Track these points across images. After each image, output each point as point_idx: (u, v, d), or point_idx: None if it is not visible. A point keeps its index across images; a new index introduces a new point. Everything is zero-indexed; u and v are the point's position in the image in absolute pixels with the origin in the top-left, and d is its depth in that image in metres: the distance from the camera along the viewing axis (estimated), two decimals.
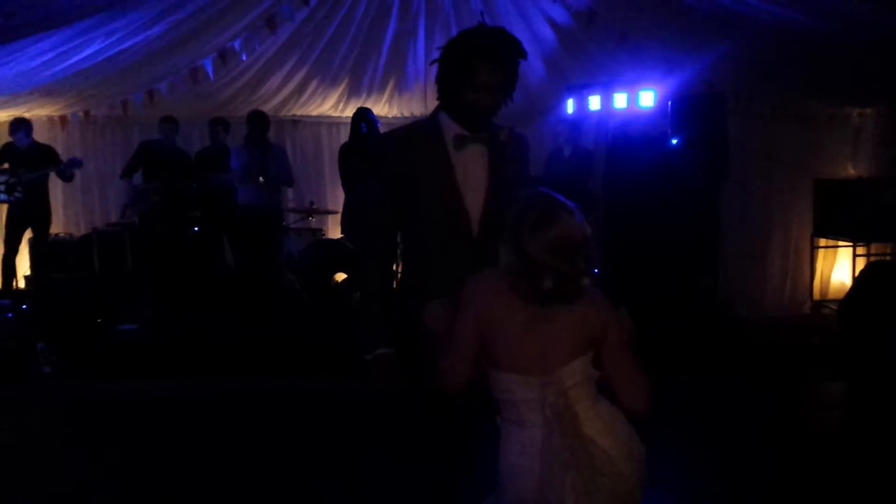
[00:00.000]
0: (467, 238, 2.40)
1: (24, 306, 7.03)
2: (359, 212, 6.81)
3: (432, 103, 8.51)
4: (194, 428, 4.81)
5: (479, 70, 2.33)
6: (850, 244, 7.56)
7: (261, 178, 7.09)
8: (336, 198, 8.16)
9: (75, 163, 7.46)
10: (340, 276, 7.69)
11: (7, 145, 7.39)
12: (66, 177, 7.54)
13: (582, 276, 1.99)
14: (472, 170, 2.42)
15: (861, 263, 7.39)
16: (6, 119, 7.90)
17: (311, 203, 8.22)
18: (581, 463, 1.97)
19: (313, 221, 8.26)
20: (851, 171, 7.82)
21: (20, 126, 7.37)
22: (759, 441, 4.49)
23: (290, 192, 8.69)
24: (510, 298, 2.02)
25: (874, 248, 7.57)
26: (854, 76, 6.29)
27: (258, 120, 7.19)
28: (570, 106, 7.25)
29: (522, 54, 2.42)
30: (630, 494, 2.05)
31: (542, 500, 1.98)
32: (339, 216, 7.46)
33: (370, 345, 2.43)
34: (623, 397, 2.08)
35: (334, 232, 8.21)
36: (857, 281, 6.87)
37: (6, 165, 7.26)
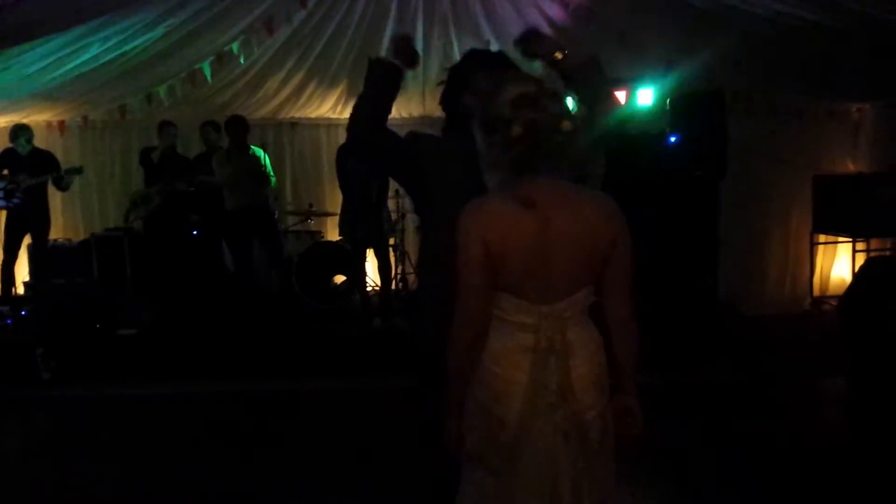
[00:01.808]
0: None
1: (23, 312, 7.03)
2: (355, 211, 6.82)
3: (430, 104, 8.57)
4: (195, 431, 4.81)
5: (476, 77, 2.39)
6: (850, 240, 7.55)
7: (248, 183, 7.10)
8: (334, 200, 8.15)
9: (75, 171, 7.46)
10: (339, 278, 7.68)
11: (7, 151, 7.39)
12: (63, 186, 7.55)
13: (559, 119, 1.92)
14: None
15: (861, 259, 7.39)
16: (5, 125, 7.90)
17: (310, 205, 8.21)
18: (566, 403, 1.98)
19: (312, 223, 8.26)
20: (851, 167, 7.82)
21: (21, 132, 7.37)
22: (759, 437, 4.48)
23: (288, 194, 8.69)
24: (515, 215, 1.95)
25: (874, 243, 7.57)
26: (852, 71, 6.29)
27: (237, 125, 7.15)
28: (568, 104, 7.24)
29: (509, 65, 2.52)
30: (603, 430, 2.06)
31: (525, 430, 1.98)
32: (337, 218, 7.45)
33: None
34: (613, 315, 2.09)
35: (333, 234, 8.20)
36: (857, 276, 6.87)
37: (5, 172, 7.25)
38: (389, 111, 2.48)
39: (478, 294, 1.99)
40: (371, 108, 2.44)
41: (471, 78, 2.41)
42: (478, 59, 2.57)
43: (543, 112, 1.91)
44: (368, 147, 2.50)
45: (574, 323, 2.03)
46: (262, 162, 7.32)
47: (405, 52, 2.48)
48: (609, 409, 2.08)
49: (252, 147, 7.35)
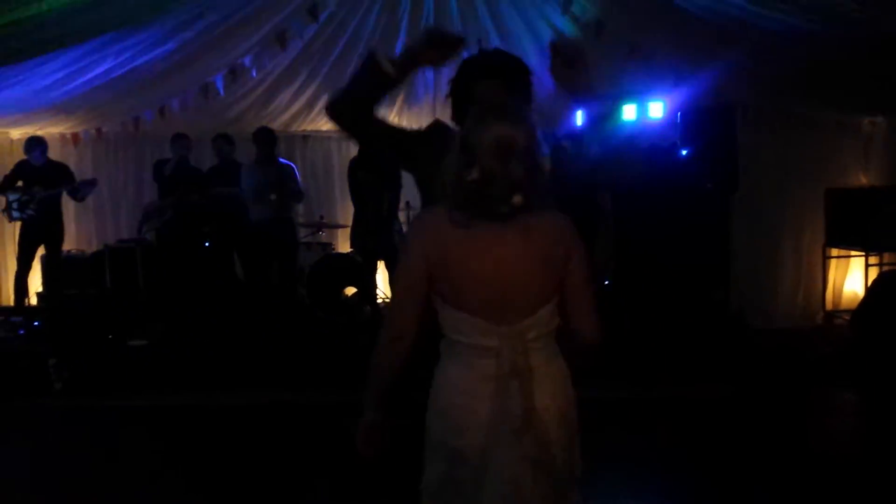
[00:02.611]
0: None
1: (35, 323, 7.08)
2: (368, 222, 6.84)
3: (441, 117, 8.53)
4: (205, 442, 4.81)
5: (476, 87, 2.36)
6: (863, 253, 7.51)
7: (272, 196, 7.13)
8: (346, 212, 8.18)
9: (90, 183, 7.53)
10: (350, 290, 7.70)
11: (22, 163, 7.46)
12: (79, 197, 7.61)
13: (515, 186, 1.83)
14: None
15: (874, 273, 7.34)
16: (20, 137, 7.99)
17: (321, 217, 8.25)
18: (532, 429, 1.90)
19: (323, 235, 8.28)
20: (863, 180, 7.78)
21: (36, 144, 7.44)
22: (771, 451, 4.45)
23: (300, 207, 8.73)
24: (467, 227, 1.87)
25: (887, 257, 7.51)
26: (864, 84, 6.27)
27: (265, 137, 7.24)
28: (579, 118, 7.25)
29: (524, 69, 2.43)
30: (568, 466, 1.99)
31: (488, 461, 1.89)
32: (348, 230, 7.47)
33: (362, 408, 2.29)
34: (578, 332, 2.00)
35: (344, 246, 8.23)
36: (870, 291, 6.82)
37: (20, 183, 7.32)
38: (372, 99, 2.44)
39: (402, 306, 1.96)
40: (349, 87, 2.44)
41: (474, 88, 2.36)
42: (477, 65, 2.45)
43: (505, 172, 1.82)
44: (340, 121, 2.47)
45: (538, 347, 1.95)
46: (293, 175, 7.38)
47: (439, 44, 2.36)
48: (576, 445, 2.02)
49: (281, 160, 7.42)
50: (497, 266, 1.89)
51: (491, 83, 2.35)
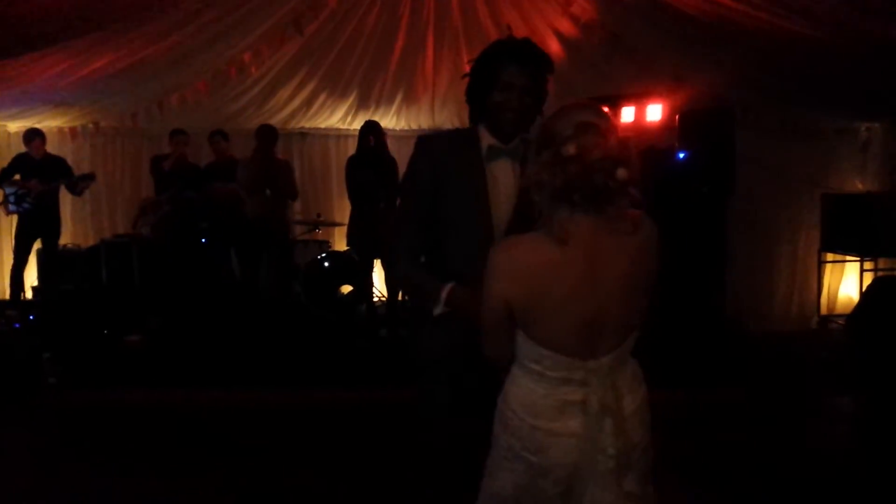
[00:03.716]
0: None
1: (31, 317, 7.06)
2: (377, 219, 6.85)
3: (440, 116, 8.59)
4: (200, 439, 4.81)
5: (504, 71, 2.35)
6: (858, 259, 7.53)
7: (267, 191, 7.15)
8: (343, 210, 8.18)
9: (88, 177, 7.52)
10: (346, 288, 7.69)
11: (20, 156, 7.44)
12: (77, 191, 7.60)
13: (616, 164, 1.72)
14: (502, 181, 2.42)
15: (869, 278, 7.36)
16: (18, 130, 7.97)
17: (318, 215, 8.25)
18: (632, 468, 1.87)
19: (320, 233, 8.29)
20: (859, 186, 7.80)
21: (34, 137, 7.43)
22: (765, 456, 4.46)
23: (297, 205, 8.73)
24: (551, 261, 1.76)
25: (882, 262, 7.53)
26: (862, 90, 6.29)
27: (267, 134, 7.26)
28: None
29: (549, 65, 2.43)
30: (647, 462, 1.97)
31: (582, 491, 1.84)
32: (345, 228, 7.48)
33: (434, 295, 2.32)
34: None
35: (340, 244, 8.23)
36: (865, 296, 6.85)
37: (17, 177, 7.30)
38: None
39: (493, 336, 1.92)
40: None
41: (501, 71, 2.35)
42: (507, 50, 2.40)
43: (604, 146, 1.72)
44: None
45: (622, 368, 1.90)
46: (289, 173, 7.39)
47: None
48: (652, 443, 1.99)
49: (279, 158, 7.43)
50: (593, 289, 1.77)
51: (519, 70, 2.35)
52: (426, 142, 2.53)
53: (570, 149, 1.71)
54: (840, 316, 7.60)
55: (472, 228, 2.37)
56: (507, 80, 2.35)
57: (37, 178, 7.27)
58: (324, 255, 7.66)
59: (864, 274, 7.52)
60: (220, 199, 7.50)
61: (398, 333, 6.96)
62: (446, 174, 2.41)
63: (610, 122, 1.79)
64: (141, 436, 4.90)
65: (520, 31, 6.39)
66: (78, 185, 7.49)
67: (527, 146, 2.33)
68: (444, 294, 2.29)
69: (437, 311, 2.31)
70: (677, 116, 6.64)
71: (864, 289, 7.22)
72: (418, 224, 2.45)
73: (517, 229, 2.14)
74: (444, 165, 2.42)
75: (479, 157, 2.42)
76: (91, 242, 8.31)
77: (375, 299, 7.57)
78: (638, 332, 1.92)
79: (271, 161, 7.27)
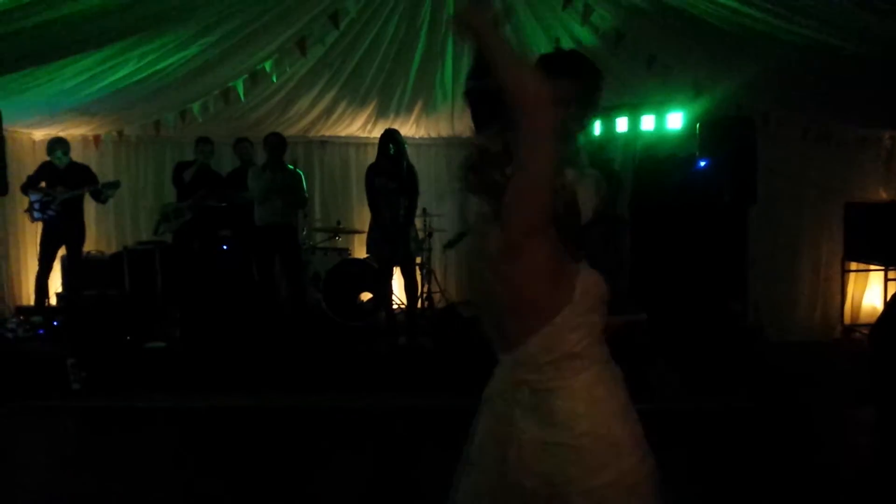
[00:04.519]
0: None
1: (55, 323, 7.15)
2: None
3: (459, 125, 8.53)
4: (221, 444, 4.84)
5: (558, 85, 2.27)
6: (882, 268, 7.45)
7: (277, 201, 7.20)
8: (362, 218, 8.21)
9: (113, 185, 7.59)
10: (366, 296, 7.71)
11: (46, 164, 7.53)
12: (102, 199, 7.67)
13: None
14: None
15: (893, 288, 7.28)
16: (43, 138, 8.08)
17: (338, 222, 8.28)
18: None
19: (339, 241, 8.32)
20: (883, 195, 7.73)
21: (59, 145, 7.52)
22: (785, 466, 4.42)
23: (317, 212, 8.77)
24: None
25: None
26: (885, 99, 6.23)
27: (275, 142, 7.30)
28: (596, 127, 7.25)
29: (596, 72, 2.33)
30: None
31: None
32: (364, 236, 7.50)
33: None
34: None
35: (360, 252, 8.25)
36: (889, 305, 6.76)
37: (43, 184, 7.39)
38: None
39: None
40: None
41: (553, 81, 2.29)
42: (556, 64, 2.27)
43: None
44: None
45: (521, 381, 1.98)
46: (299, 182, 7.43)
47: None
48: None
49: (290, 166, 7.47)
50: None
51: (568, 82, 2.30)
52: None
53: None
54: (864, 325, 7.51)
55: None
56: (560, 95, 2.28)
57: (62, 186, 7.36)
58: (343, 262, 7.69)
59: (889, 283, 7.44)
60: (241, 207, 7.54)
61: (417, 341, 6.97)
62: None
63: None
64: (163, 441, 4.94)
65: (538, 40, 6.45)
66: (103, 192, 7.57)
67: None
68: None
69: None
70: (698, 125, 6.62)
71: (888, 298, 7.13)
72: None
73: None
74: None
75: None
76: (114, 249, 8.40)
77: (395, 307, 7.58)
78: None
79: (281, 170, 7.31)
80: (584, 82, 2.30)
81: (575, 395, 1.85)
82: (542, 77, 1.82)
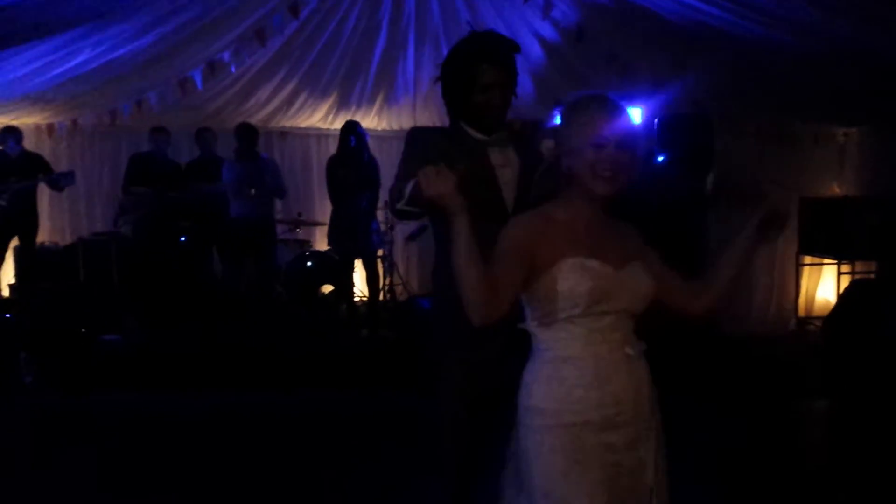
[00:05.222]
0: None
1: (7, 315, 6.99)
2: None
3: (421, 117, 8.56)
4: (177, 440, 4.79)
5: (482, 72, 2.40)
6: (835, 262, 7.61)
7: (252, 191, 7.11)
8: (324, 210, 8.15)
9: (68, 177, 7.43)
10: (327, 288, 7.68)
11: None
12: (60, 187, 7.51)
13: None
14: (498, 169, 2.48)
15: (845, 281, 7.44)
16: None
17: (299, 214, 8.22)
18: None
19: (300, 233, 8.26)
20: (837, 190, 7.88)
21: (10, 134, 7.35)
22: (741, 458, 4.49)
23: (278, 204, 8.70)
24: None
25: (858, 265, 7.62)
26: (839, 96, 6.36)
27: (247, 132, 7.22)
28: (558, 119, 7.27)
29: (517, 48, 2.50)
30: None
31: None
32: (325, 228, 7.46)
33: (403, 188, 2.25)
34: None
35: (321, 244, 8.21)
36: (841, 298, 6.92)
37: None
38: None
39: None
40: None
41: (477, 73, 2.40)
42: (477, 49, 2.46)
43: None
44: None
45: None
46: (274, 171, 7.35)
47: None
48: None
49: (264, 156, 7.39)
50: None
51: (494, 68, 2.42)
52: (420, 131, 2.62)
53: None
54: (818, 318, 7.66)
55: (486, 214, 2.25)
56: (484, 81, 2.42)
57: (15, 176, 7.20)
58: (305, 254, 7.64)
59: (841, 277, 7.60)
60: (203, 199, 7.45)
61: (379, 334, 6.96)
62: (447, 158, 2.42)
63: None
64: (117, 435, 4.88)
65: (500, 32, 6.45)
66: (59, 181, 7.41)
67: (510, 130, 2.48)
68: (409, 184, 2.20)
69: (402, 204, 2.28)
70: (656, 120, 6.69)
71: (841, 291, 7.29)
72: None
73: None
74: (443, 154, 2.43)
75: (474, 148, 2.46)
76: (68, 240, 8.23)
77: (356, 299, 7.56)
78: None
79: (254, 160, 7.23)
80: (505, 64, 2.41)
81: None
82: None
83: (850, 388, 5.94)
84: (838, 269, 7.63)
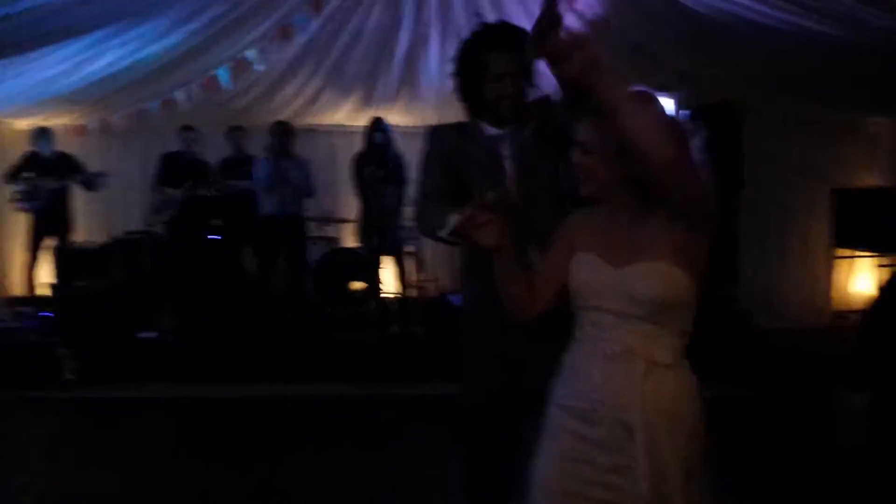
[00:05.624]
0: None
1: (44, 313, 7.11)
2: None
3: (445, 112, 8.53)
4: (213, 435, 4.85)
5: (491, 62, 2.37)
6: (870, 254, 7.47)
7: (284, 190, 7.14)
8: (349, 206, 8.16)
9: (101, 177, 7.52)
10: (356, 285, 7.70)
11: (30, 154, 7.48)
12: (94, 187, 7.60)
13: None
14: (509, 164, 2.48)
15: (882, 274, 7.29)
16: (26, 128, 8.01)
17: (329, 211, 8.24)
18: None
19: (329, 230, 8.28)
20: (869, 181, 7.75)
21: (42, 135, 7.46)
22: (776, 453, 4.44)
23: (308, 201, 8.73)
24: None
25: (895, 258, 7.47)
26: (870, 85, 6.24)
27: (281, 130, 7.24)
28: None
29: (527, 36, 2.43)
30: None
31: None
32: (353, 225, 7.48)
33: (439, 220, 2.17)
34: None
35: (349, 240, 8.23)
36: (879, 292, 6.78)
37: (28, 174, 7.33)
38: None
39: None
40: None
41: (489, 63, 2.38)
42: (487, 39, 2.45)
43: None
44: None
45: None
46: (306, 171, 7.38)
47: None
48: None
49: (298, 156, 7.43)
50: None
51: (505, 56, 2.38)
52: (437, 129, 2.61)
53: None
54: (854, 312, 7.52)
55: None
56: (496, 70, 2.38)
57: (49, 176, 7.31)
58: (333, 251, 7.66)
59: (878, 269, 7.46)
60: (234, 196, 7.51)
61: (409, 330, 6.97)
62: (465, 159, 2.46)
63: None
64: (155, 431, 4.95)
65: (524, 26, 6.42)
66: (92, 181, 7.50)
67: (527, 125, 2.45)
68: (450, 222, 2.06)
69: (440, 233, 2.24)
70: (686, 111, 6.61)
71: (879, 284, 7.16)
72: (437, 192, 2.48)
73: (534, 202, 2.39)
74: (462, 151, 2.47)
75: (490, 144, 2.47)
76: (103, 239, 8.34)
77: (384, 296, 7.58)
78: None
79: (288, 158, 7.26)
80: (516, 53, 2.38)
81: None
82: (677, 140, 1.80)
83: (886, 383, 5.83)
84: (874, 261, 7.49)
